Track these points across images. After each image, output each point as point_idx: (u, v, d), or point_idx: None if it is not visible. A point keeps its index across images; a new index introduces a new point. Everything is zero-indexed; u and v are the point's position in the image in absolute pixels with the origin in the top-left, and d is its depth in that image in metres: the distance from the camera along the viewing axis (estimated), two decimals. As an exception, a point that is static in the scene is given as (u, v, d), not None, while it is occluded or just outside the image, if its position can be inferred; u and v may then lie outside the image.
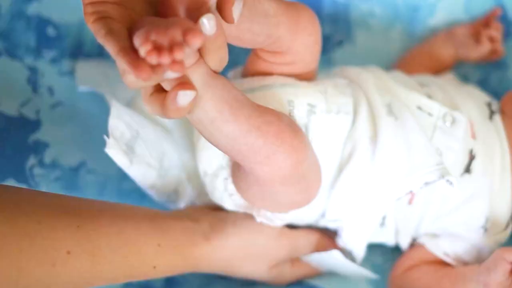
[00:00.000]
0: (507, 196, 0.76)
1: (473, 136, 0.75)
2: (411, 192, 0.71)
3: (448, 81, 0.84)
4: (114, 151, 0.73)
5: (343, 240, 0.76)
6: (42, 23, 0.86)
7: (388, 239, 0.79)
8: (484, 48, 0.88)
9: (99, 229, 0.65)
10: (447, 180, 0.69)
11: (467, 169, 0.74)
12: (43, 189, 0.80)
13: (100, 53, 0.88)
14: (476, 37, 0.88)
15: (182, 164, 0.79)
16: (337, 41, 0.92)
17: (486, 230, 0.76)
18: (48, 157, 0.82)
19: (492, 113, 0.79)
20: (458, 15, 0.91)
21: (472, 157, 0.74)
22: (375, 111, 0.71)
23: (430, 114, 0.73)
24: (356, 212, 0.74)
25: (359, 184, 0.72)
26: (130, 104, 0.80)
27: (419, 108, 0.73)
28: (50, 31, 0.87)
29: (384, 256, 0.82)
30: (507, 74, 0.91)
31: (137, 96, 0.80)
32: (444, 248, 0.77)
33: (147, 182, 0.77)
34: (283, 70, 0.70)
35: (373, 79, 0.74)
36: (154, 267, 0.69)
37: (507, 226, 0.77)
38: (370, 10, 0.90)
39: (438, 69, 0.90)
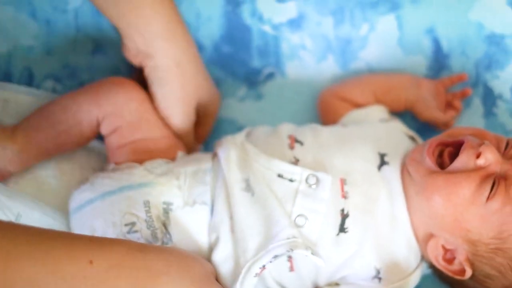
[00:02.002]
0: (402, 242, 0.73)
1: (344, 196, 0.72)
2: (263, 266, 0.69)
3: (350, 127, 0.81)
4: None
5: None
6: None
7: None
8: (446, 117, 0.86)
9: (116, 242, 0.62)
10: (305, 255, 0.69)
11: (342, 229, 0.71)
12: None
13: (29, 84, 0.87)
14: (438, 98, 0.86)
15: None
16: (268, 74, 0.91)
17: (380, 279, 0.72)
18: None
19: (383, 163, 0.75)
20: (391, 48, 0.90)
21: (345, 216, 0.72)
22: (230, 191, 0.72)
23: (291, 180, 0.72)
24: None
25: (225, 266, 0.71)
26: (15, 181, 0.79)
27: (280, 176, 0.73)
28: (-22, 61, 0.87)
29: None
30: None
31: (23, 174, 0.79)
32: None
33: None
34: None
35: (236, 155, 0.75)
36: None
37: (412, 271, 0.73)
38: (301, 42, 0.90)
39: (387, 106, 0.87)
